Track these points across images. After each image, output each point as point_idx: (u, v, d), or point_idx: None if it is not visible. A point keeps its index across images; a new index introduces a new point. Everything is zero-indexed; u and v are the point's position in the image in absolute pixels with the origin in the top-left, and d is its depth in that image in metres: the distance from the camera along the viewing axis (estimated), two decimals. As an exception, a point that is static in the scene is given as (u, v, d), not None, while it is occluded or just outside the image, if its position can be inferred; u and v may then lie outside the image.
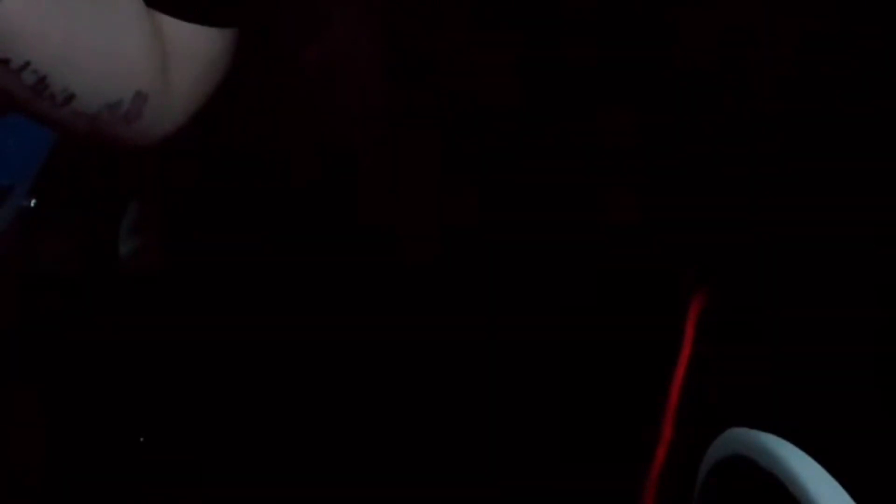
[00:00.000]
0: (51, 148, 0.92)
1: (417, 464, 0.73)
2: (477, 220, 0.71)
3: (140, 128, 0.64)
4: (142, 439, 0.82)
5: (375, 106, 0.70)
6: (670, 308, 0.68)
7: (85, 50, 0.60)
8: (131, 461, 0.82)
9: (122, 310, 0.84)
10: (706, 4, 0.66)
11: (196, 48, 0.66)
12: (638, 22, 0.67)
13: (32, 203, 0.92)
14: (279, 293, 0.75)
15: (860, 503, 0.50)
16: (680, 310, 0.67)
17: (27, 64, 0.58)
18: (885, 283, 0.62)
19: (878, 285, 0.62)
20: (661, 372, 0.67)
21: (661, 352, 0.67)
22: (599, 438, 0.70)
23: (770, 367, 0.63)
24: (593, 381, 0.70)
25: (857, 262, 0.63)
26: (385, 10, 0.69)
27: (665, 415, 0.66)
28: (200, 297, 0.78)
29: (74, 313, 0.87)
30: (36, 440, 0.85)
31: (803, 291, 0.64)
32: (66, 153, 0.92)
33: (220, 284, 0.77)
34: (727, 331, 0.66)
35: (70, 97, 0.61)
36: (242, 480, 0.77)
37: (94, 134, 0.64)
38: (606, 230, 0.70)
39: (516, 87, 0.69)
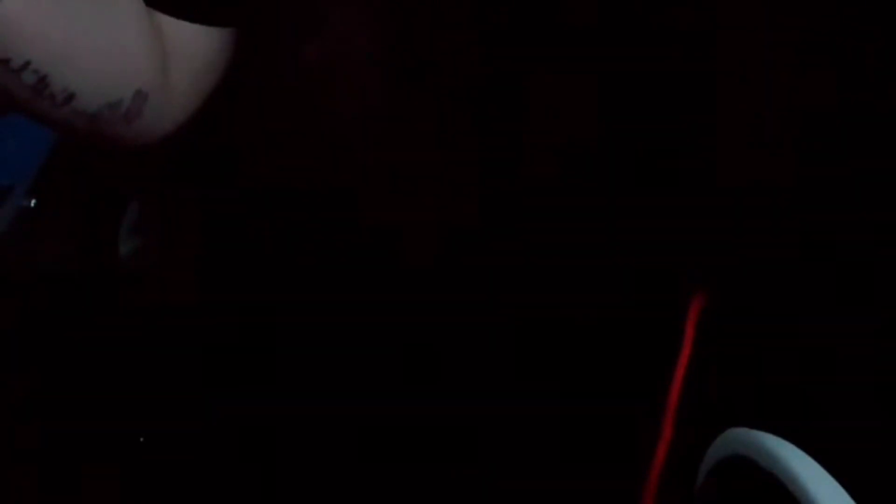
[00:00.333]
0: (51, 148, 0.92)
1: (417, 464, 0.73)
2: (477, 220, 0.71)
3: (140, 127, 0.64)
4: (142, 439, 0.82)
5: (375, 106, 0.70)
6: (670, 308, 0.67)
7: (85, 49, 0.60)
8: (131, 461, 0.82)
9: (121, 310, 0.84)
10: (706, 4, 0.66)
11: (196, 47, 0.66)
12: (638, 22, 0.67)
13: (32, 203, 0.92)
14: (279, 293, 0.75)
15: (860, 503, 0.50)
16: (680, 310, 0.67)
17: (27, 64, 0.58)
18: (886, 282, 0.62)
19: (878, 285, 0.62)
20: (661, 372, 0.67)
21: (661, 352, 0.67)
22: (599, 438, 0.70)
23: (770, 368, 0.63)
24: (593, 380, 0.70)
25: (858, 262, 0.63)
26: (385, 10, 0.69)
27: (665, 415, 0.66)
28: (200, 297, 0.78)
29: (74, 313, 0.87)
30: (35, 440, 0.85)
31: (803, 291, 0.64)
32: (66, 153, 0.92)
33: (220, 284, 0.77)
34: (727, 331, 0.66)
35: (70, 97, 0.61)
36: (242, 480, 0.77)
37: (94, 133, 0.64)
38: (606, 231, 0.70)
39: (517, 87, 0.69)
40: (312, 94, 0.71)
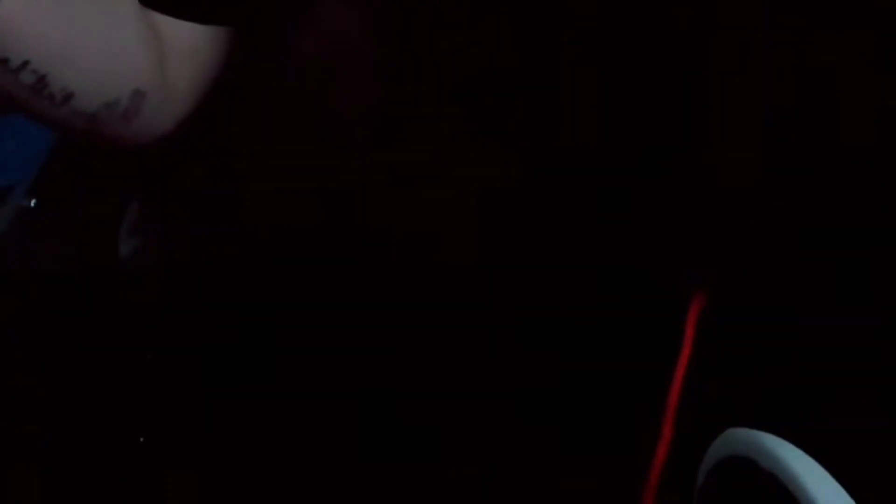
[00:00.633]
0: (51, 148, 0.92)
1: (417, 464, 0.73)
2: (477, 220, 0.71)
3: (139, 126, 0.64)
4: (142, 439, 0.82)
5: (374, 106, 0.70)
6: (670, 308, 0.67)
7: (84, 49, 0.60)
8: (131, 461, 0.82)
9: (121, 310, 0.84)
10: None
11: (193, 46, 0.66)
12: (638, 23, 0.67)
13: (32, 203, 0.92)
14: (279, 293, 0.75)
15: (860, 503, 0.50)
16: (680, 310, 0.67)
17: (26, 63, 0.59)
18: (886, 282, 0.62)
19: (878, 285, 0.62)
20: (661, 372, 0.67)
21: (661, 352, 0.67)
22: (599, 437, 0.70)
23: (770, 368, 0.63)
24: (593, 380, 0.70)
25: (858, 262, 0.63)
26: (385, 9, 0.69)
27: (665, 414, 0.66)
28: (200, 297, 0.78)
29: (74, 313, 0.87)
30: (35, 440, 0.85)
31: (803, 291, 0.64)
32: (66, 153, 0.92)
33: (220, 284, 0.77)
34: (727, 331, 0.66)
35: (69, 96, 0.61)
36: (242, 480, 0.77)
37: (93, 132, 0.64)
38: (606, 230, 0.69)
39: (517, 87, 0.69)
40: (311, 93, 0.71)
